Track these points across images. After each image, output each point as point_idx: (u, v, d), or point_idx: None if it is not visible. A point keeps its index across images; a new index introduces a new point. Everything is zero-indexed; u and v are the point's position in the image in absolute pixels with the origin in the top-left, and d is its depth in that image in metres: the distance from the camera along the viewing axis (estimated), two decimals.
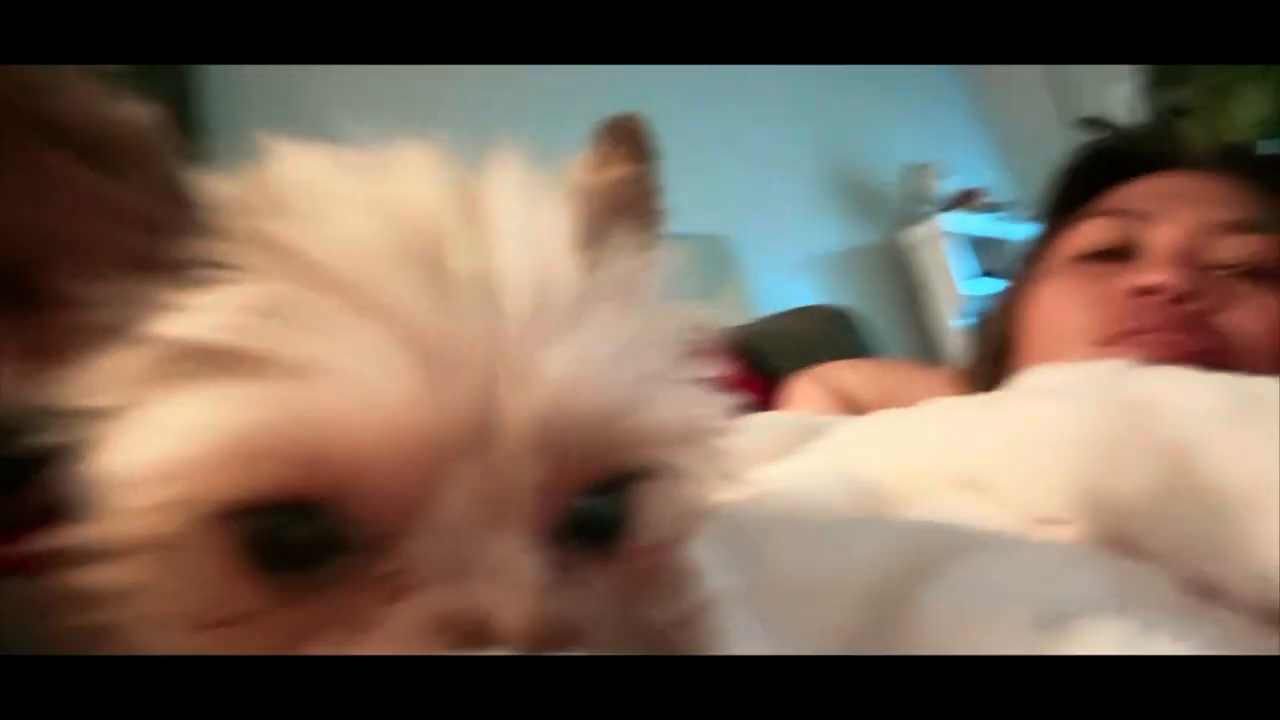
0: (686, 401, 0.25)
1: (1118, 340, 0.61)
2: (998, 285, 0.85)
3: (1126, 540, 0.39)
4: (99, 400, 0.21)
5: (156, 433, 0.21)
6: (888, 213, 2.67)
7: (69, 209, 0.22)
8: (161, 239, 0.22)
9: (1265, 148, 1.70)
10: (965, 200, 2.64)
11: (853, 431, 0.60)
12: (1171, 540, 0.37)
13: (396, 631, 0.19)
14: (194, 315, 0.20)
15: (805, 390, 0.95)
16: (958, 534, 0.35)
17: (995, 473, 0.45)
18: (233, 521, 0.21)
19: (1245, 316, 0.60)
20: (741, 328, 1.27)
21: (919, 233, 2.59)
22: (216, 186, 0.23)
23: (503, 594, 0.20)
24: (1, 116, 0.21)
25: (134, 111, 0.23)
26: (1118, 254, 0.66)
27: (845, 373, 0.95)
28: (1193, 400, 0.40)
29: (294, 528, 0.21)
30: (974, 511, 0.44)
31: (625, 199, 0.29)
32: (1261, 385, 0.41)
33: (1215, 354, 0.58)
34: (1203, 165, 0.69)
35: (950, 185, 2.63)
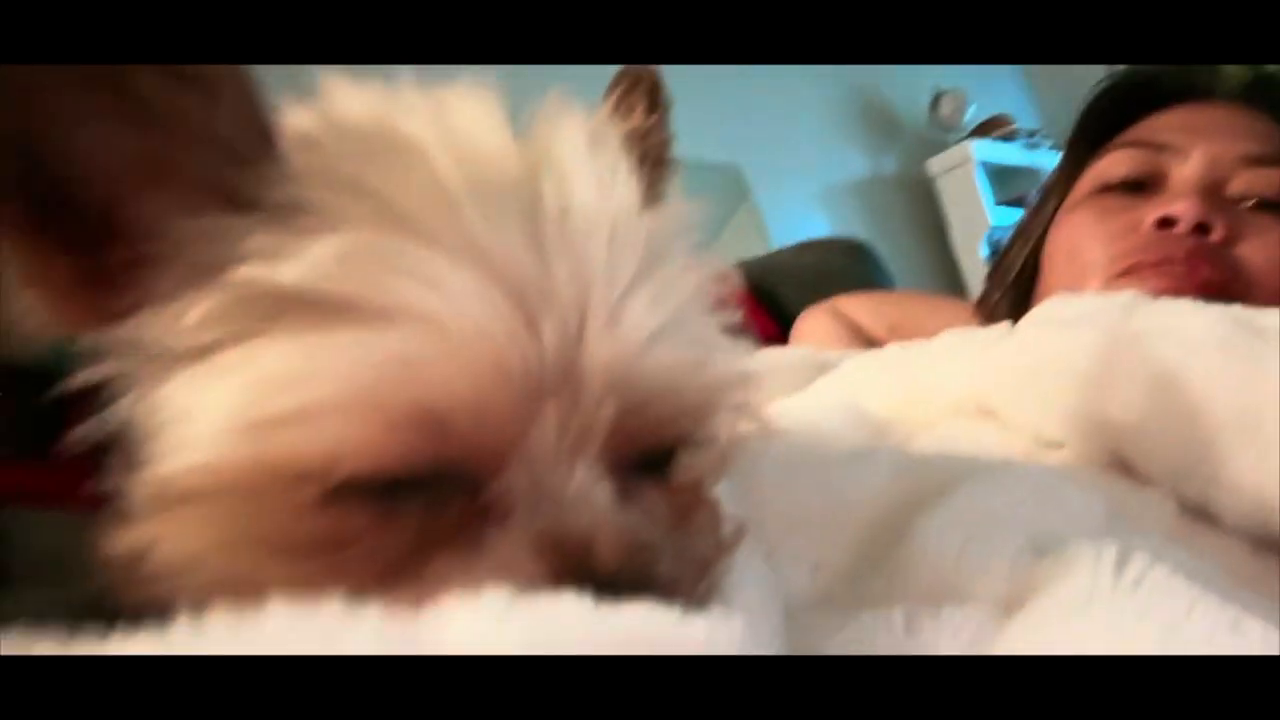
0: (728, 356, 0.26)
1: (1135, 272, 0.61)
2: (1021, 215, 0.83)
3: (1124, 465, 0.39)
4: (173, 340, 0.21)
5: (246, 379, 0.20)
6: (910, 140, 2.61)
7: (160, 131, 0.21)
8: (248, 173, 0.21)
9: None
10: (991, 127, 2.57)
11: (861, 366, 0.61)
12: (1163, 465, 0.38)
13: (506, 553, 0.21)
14: (285, 259, 0.20)
15: (816, 322, 0.96)
16: (959, 462, 0.36)
17: (1003, 400, 0.46)
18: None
19: (1264, 249, 0.60)
20: (754, 261, 1.27)
21: (943, 161, 2.54)
22: (292, 122, 0.23)
23: (596, 520, 0.22)
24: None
25: None
26: (1141, 186, 0.65)
27: (856, 304, 0.96)
28: (1187, 329, 0.40)
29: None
30: (981, 438, 0.45)
31: (644, 150, 0.29)
32: (1270, 317, 0.41)
33: (1231, 285, 0.58)
34: (1232, 97, 0.68)
35: (976, 112, 2.56)
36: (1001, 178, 2.52)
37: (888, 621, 0.25)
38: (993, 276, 0.79)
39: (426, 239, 0.21)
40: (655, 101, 0.31)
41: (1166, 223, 0.62)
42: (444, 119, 0.23)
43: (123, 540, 0.22)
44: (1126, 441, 0.39)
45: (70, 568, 0.29)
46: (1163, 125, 0.67)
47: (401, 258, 0.20)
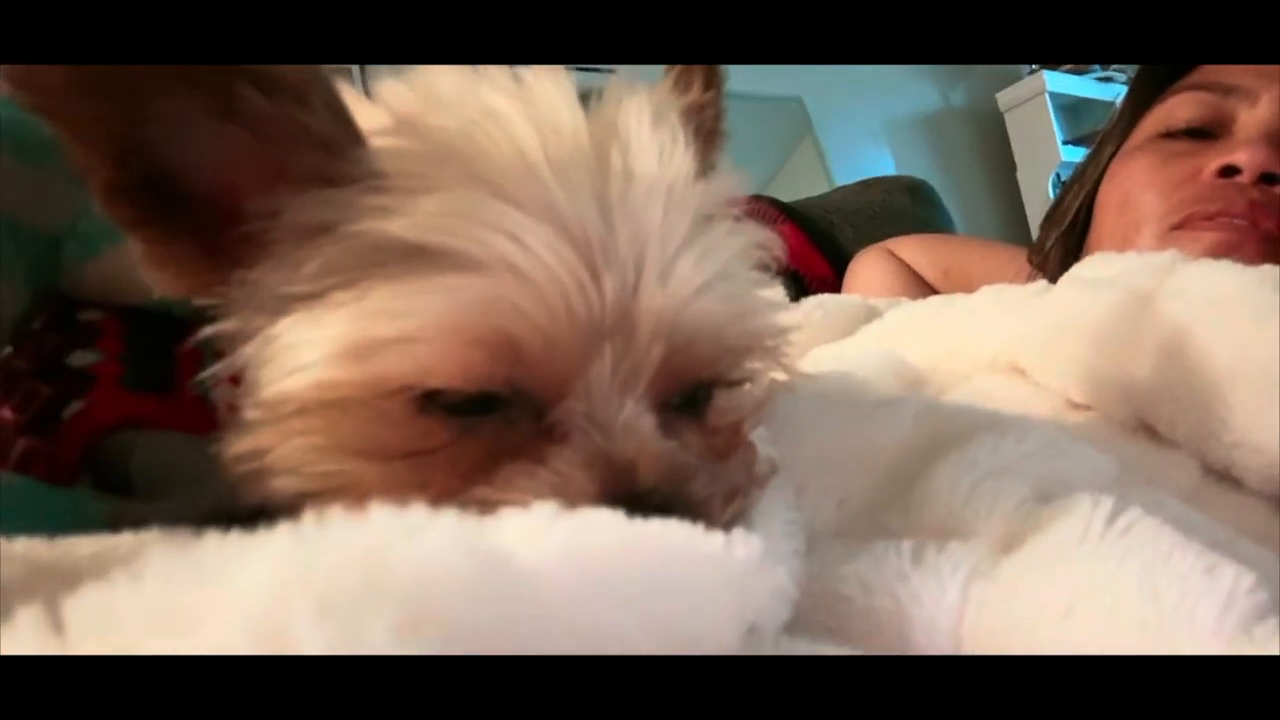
0: (765, 309, 0.30)
1: (1190, 225, 0.60)
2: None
3: (1149, 428, 0.41)
4: (289, 288, 0.25)
5: (355, 312, 0.24)
6: (981, 70, 2.51)
7: (262, 133, 0.25)
8: (336, 155, 0.25)
9: None
10: None
11: (904, 316, 0.62)
12: (1184, 428, 0.39)
13: (562, 467, 0.25)
14: (392, 215, 0.24)
15: (870, 264, 0.96)
16: (979, 415, 0.38)
17: (1031, 360, 0.47)
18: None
19: None
20: (812, 199, 1.26)
21: (1014, 94, 2.44)
22: (391, 97, 0.27)
23: (640, 445, 0.26)
24: (212, 71, 0.24)
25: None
26: (1206, 132, 0.64)
27: (911, 247, 0.95)
28: (1212, 291, 0.41)
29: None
30: (1011, 395, 0.46)
31: (699, 123, 0.32)
32: None
33: None
34: None
35: None
36: (1073, 114, 2.42)
37: (897, 550, 0.28)
38: (1047, 223, 0.77)
39: (511, 199, 0.24)
40: (711, 78, 0.33)
41: (1229, 171, 0.60)
42: (525, 96, 0.27)
43: (241, 446, 0.26)
44: (1146, 405, 0.41)
45: (191, 480, 0.34)
46: (1234, 66, 0.64)
47: (490, 215, 0.24)
